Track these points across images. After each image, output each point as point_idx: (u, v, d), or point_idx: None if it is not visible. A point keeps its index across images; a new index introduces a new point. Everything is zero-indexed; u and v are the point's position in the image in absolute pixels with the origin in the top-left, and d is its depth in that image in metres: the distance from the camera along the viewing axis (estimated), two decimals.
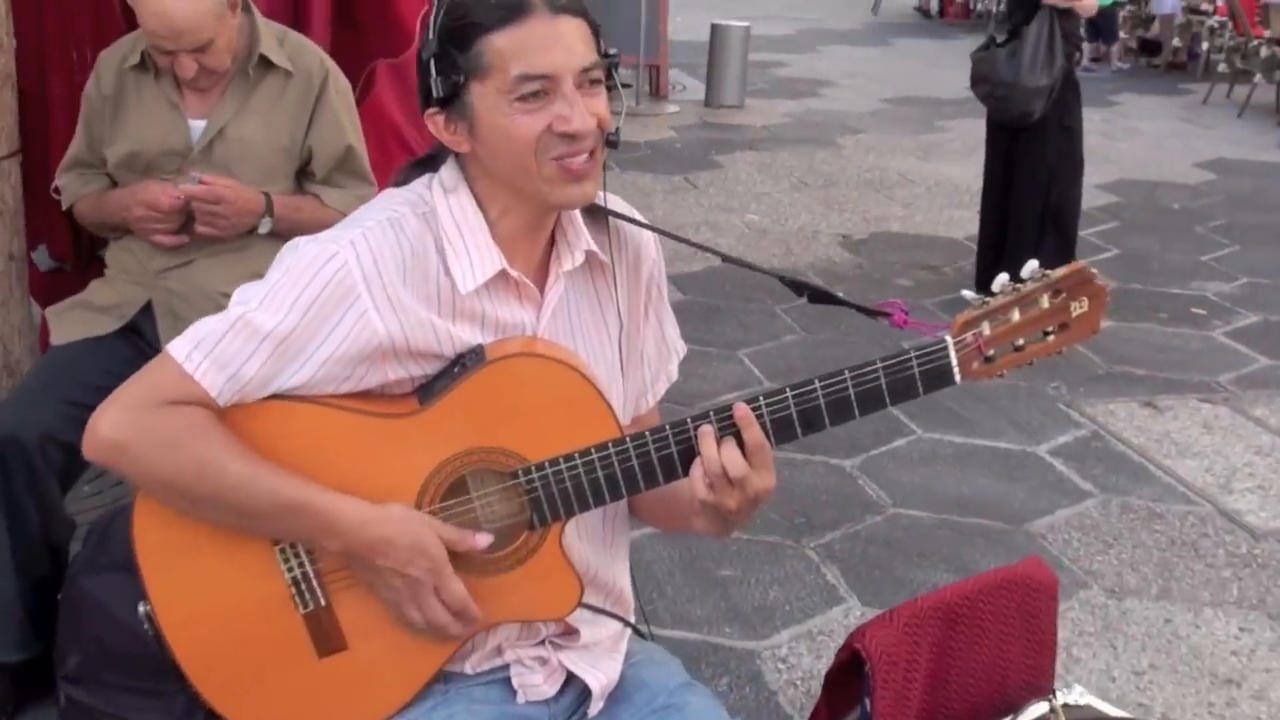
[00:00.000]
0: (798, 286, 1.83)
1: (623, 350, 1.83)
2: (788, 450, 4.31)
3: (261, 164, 2.93)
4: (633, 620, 1.88)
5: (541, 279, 1.76)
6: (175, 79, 2.89)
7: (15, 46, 3.06)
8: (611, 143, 1.68)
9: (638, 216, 1.86)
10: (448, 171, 1.73)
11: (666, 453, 1.66)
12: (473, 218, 1.70)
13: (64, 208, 3.07)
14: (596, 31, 1.66)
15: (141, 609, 1.62)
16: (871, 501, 4.15)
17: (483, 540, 1.66)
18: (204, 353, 1.60)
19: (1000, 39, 5.96)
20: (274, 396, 1.62)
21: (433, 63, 1.65)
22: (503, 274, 1.70)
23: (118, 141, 2.94)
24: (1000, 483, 4.33)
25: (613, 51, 1.70)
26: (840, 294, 1.82)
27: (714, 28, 11.11)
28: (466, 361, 1.67)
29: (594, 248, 1.78)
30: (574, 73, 1.61)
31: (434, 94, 1.65)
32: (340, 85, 3.05)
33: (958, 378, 1.62)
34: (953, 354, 1.63)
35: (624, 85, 4.52)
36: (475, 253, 1.68)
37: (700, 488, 1.63)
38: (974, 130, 8.43)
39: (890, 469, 4.42)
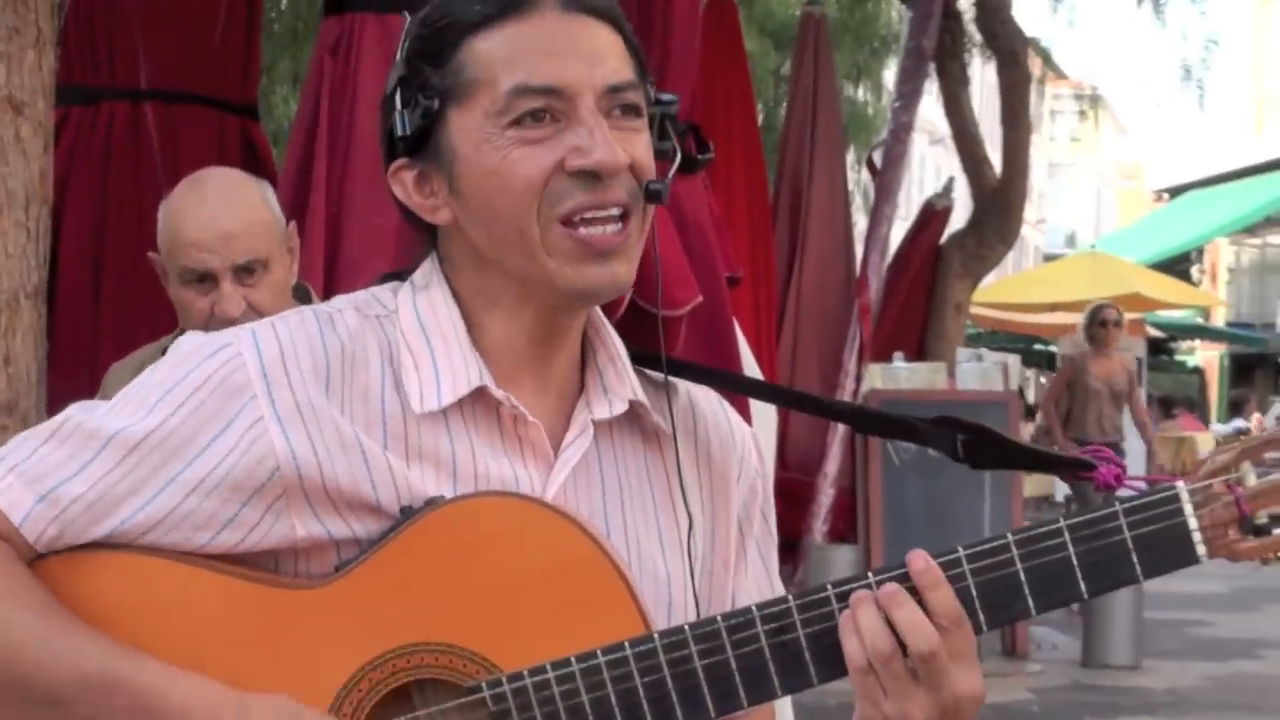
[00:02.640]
0: (950, 429, 1.55)
1: (692, 561, 1.54)
2: None
3: None
4: None
5: (560, 428, 1.50)
6: None
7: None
8: (653, 194, 1.42)
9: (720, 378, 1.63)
10: (422, 270, 1.51)
11: (754, 649, 1.36)
12: (445, 316, 1.45)
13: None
14: (637, 53, 1.45)
15: None
16: None
17: None
18: (9, 466, 1.38)
19: None
20: (111, 545, 1.38)
21: (397, 91, 1.43)
22: (484, 397, 1.43)
23: None
24: None
25: (667, 97, 1.48)
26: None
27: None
28: (410, 511, 1.38)
29: (641, 398, 1.52)
30: (596, 90, 1.38)
31: (398, 132, 1.43)
32: None
33: (1201, 552, 1.36)
34: (1189, 511, 1.36)
35: None
36: (443, 360, 1.43)
37: (858, 683, 1.35)
38: None
39: None
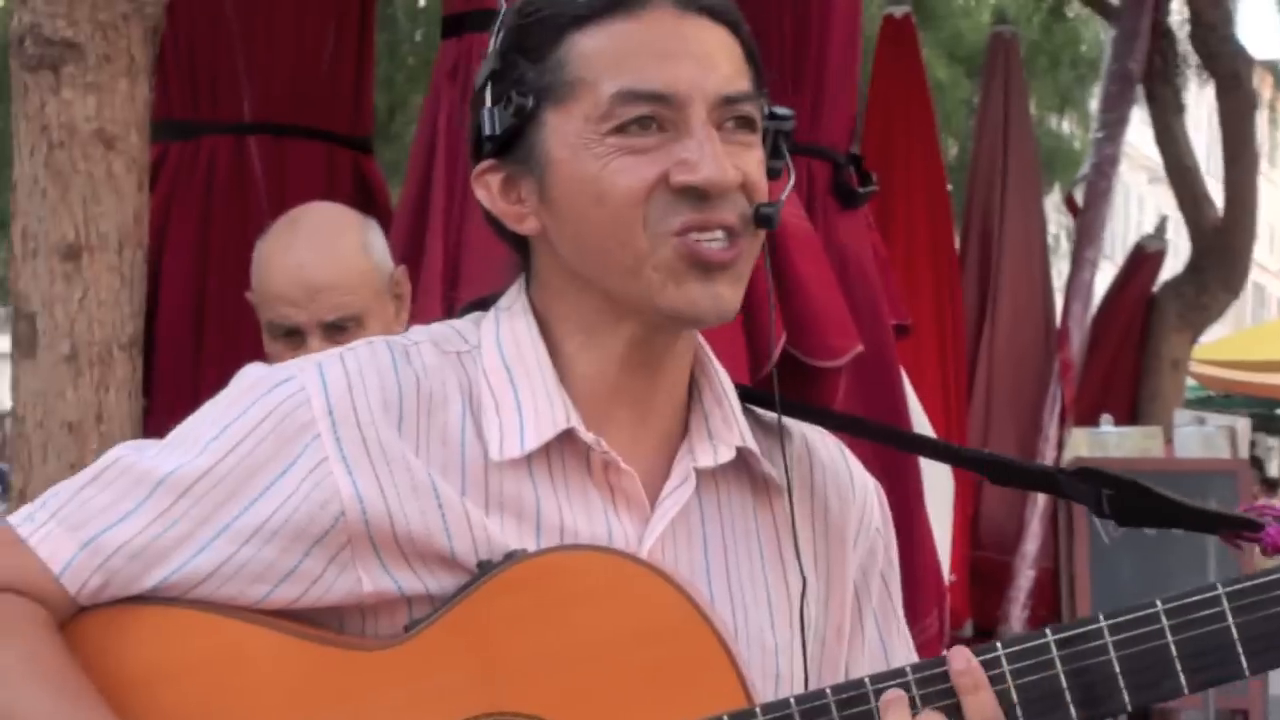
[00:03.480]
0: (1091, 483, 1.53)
1: (804, 624, 1.53)
2: None
3: None
4: None
5: (658, 475, 1.50)
6: None
7: None
8: (764, 218, 1.43)
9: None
10: (509, 293, 1.53)
11: None
12: (529, 347, 1.47)
13: None
14: (755, 60, 1.47)
15: None
16: None
17: None
18: (50, 511, 1.42)
19: None
20: (160, 599, 1.41)
21: (488, 87, 1.45)
22: (572, 440, 1.45)
23: None
24: None
25: (782, 111, 1.49)
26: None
27: None
28: (489, 565, 1.40)
29: (751, 444, 1.52)
30: (708, 99, 1.39)
31: (486, 131, 1.45)
32: None
33: None
34: None
35: None
36: (527, 399, 1.44)
37: None
38: None
39: None
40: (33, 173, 3.18)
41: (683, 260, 1.40)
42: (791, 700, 1.36)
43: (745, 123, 1.43)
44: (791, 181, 1.49)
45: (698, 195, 1.39)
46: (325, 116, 3.80)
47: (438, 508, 1.41)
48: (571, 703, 1.37)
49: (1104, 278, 8.93)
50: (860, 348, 3.69)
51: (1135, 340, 8.95)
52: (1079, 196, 8.56)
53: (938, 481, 4.33)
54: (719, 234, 1.40)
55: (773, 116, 1.48)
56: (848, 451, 1.63)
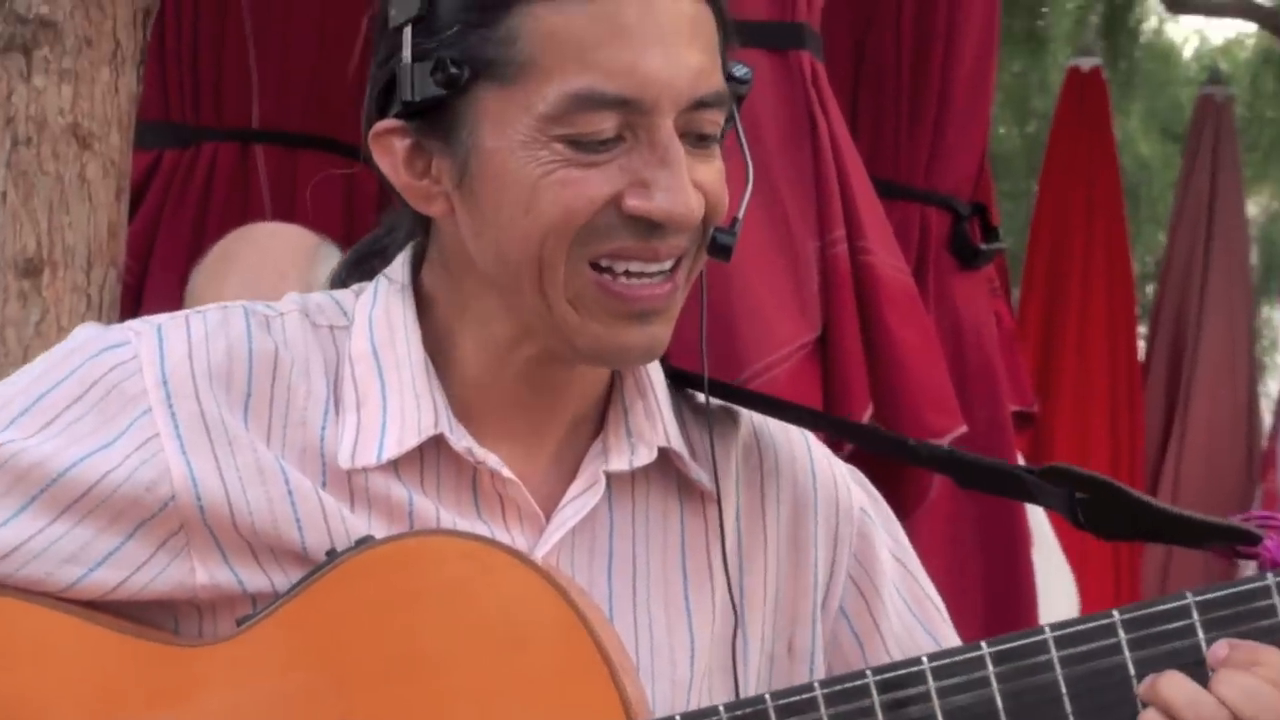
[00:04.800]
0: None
1: (737, 649, 1.58)
2: None
3: None
4: None
5: (563, 482, 1.54)
6: None
7: None
8: (721, 249, 1.47)
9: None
10: (395, 265, 1.57)
11: None
12: (402, 337, 1.51)
13: None
14: (724, 18, 1.49)
15: None
16: None
17: None
18: None
19: None
20: None
21: (408, 31, 1.45)
22: (440, 444, 1.49)
23: None
24: None
25: (739, 72, 1.52)
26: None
27: None
28: (336, 554, 1.44)
29: (676, 445, 1.55)
30: (679, 102, 1.42)
31: (404, 93, 1.46)
32: None
33: None
34: None
35: None
36: (394, 399, 1.48)
37: None
38: None
39: None
40: None
41: (608, 301, 1.44)
42: (677, 717, 1.41)
43: (710, 131, 1.46)
44: (748, 191, 1.52)
45: (649, 224, 1.42)
46: (348, 128, 3.86)
47: (287, 495, 1.46)
48: (421, 715, 1.41)
49: None
50: (964, 429, 3.66)
51: None
52: None
53: (1062, 581, 4.29)
54: (665, 266, 1.44)
55: (729, 78, 1.50)
56: (811, 437, 1.67)
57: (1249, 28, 11.83)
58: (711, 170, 1.46)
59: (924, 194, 3.93)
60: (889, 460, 3.63)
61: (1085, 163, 7.32)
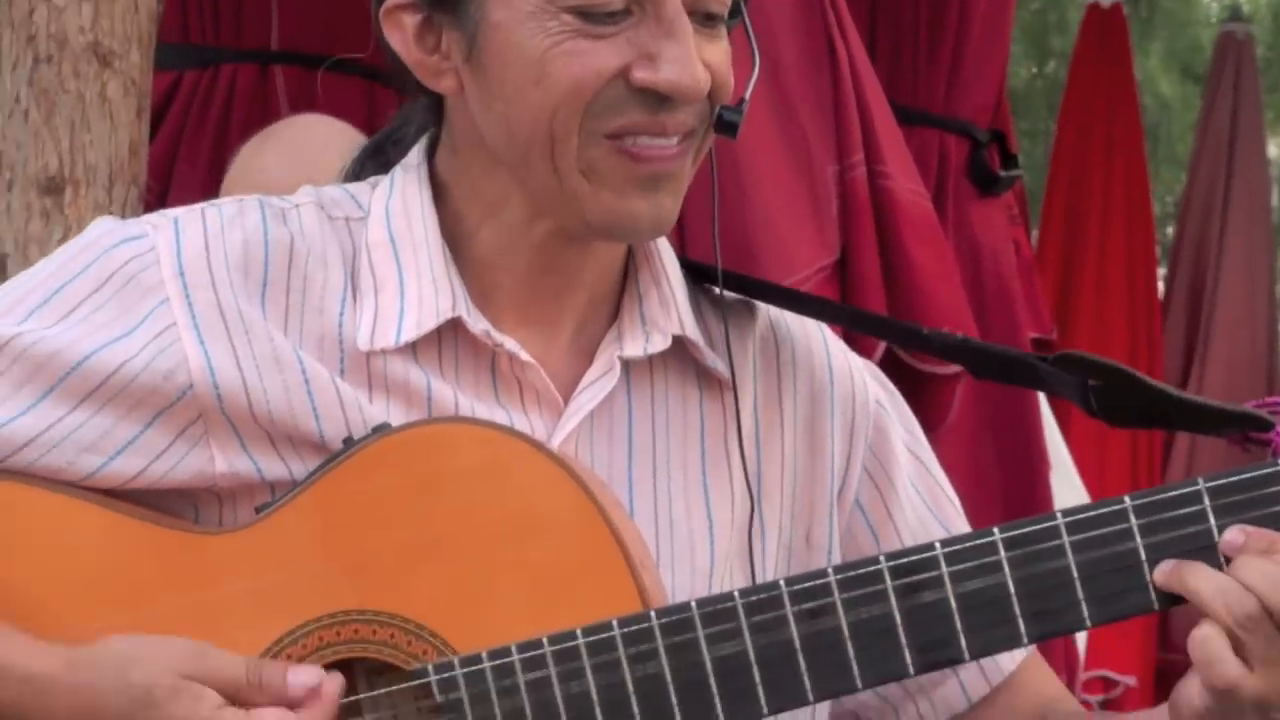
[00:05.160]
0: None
1: (754, 535, 1.60)
2: None
3: None
4: None
5: (580, 367, 1.56)
6: None
7: None
8: (727, 125, 1.50)
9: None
10: (413, 151, 1.59)
11: (781, 636, 1.41)
12: (419, 222, 1.53)
13: None
14: None
15: None
16: None
17: (329, 686, 1.40)
18: None
19: None
20: None
21: None
22: (465, 329, 1.51)
23: None
24: None
25: None
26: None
27: None
28: (353, 441, 1.46)
29: (691, 333, 1.57)
30: None
31: None
32: None
33: None
34: None
35: None
36: (412, 284, 1.50)
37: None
38: None
39: None
40: (14, 90, 3.22)
41: (620, 165, 1.46)
42: (693, 604, 1.40)
43: (712, 16, 1.49)
44: (755, 73, 1.54)
45: (657, 98, 1.44)
46: (367, 49, 3.86)
47: (303, 384, 1.48)
48: (442, 602, 1.44)
49: None
50: None
51: None
52: None
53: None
54: (673, 139, 1.46)
55: None
56: (828, 331, 1.70)
57: None
58: (718, 50, 1.49)
59: (942, 120, 3.93)
60: (910, 383, 3.67)
61: (1105, 100, 7.29)
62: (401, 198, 1.55)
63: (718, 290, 1.62)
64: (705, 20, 1.47)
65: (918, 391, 3.67)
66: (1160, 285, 7.96)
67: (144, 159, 3.38)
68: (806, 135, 3.40)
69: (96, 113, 3.24)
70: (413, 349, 1.50)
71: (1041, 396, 4.07)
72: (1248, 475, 1.41)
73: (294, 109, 3.78)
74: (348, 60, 3.84)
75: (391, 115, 3.94)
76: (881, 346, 3.51)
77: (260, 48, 3.83)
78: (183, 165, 3.79)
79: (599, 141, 1.45)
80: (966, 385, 3.76)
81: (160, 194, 3.67)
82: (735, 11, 1.53)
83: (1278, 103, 11.64)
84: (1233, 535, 1.41)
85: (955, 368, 3.71)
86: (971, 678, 1.66)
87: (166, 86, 3.68)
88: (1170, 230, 10.04)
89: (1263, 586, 1.38)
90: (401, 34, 1.52)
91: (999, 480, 3.79)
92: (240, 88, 3.82)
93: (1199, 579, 1.40)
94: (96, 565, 1.47)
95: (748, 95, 1.52)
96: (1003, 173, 4.03)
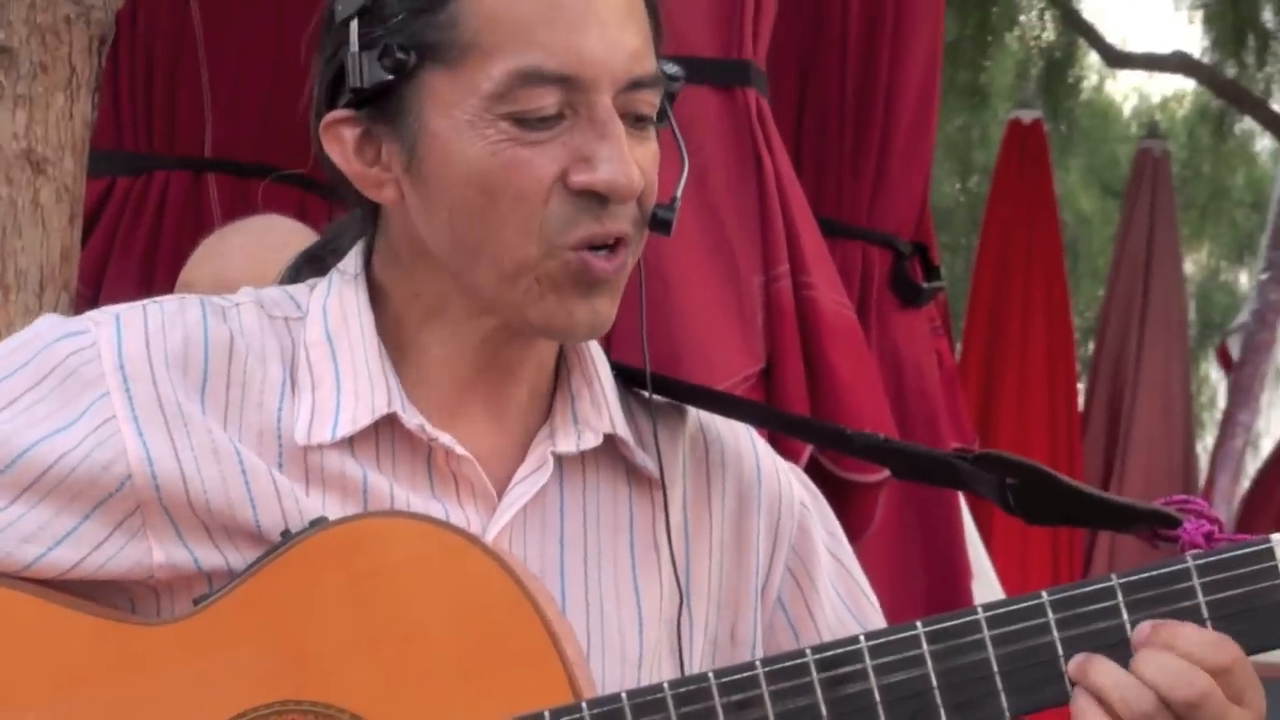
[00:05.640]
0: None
1: (682, 628, 1.62)
2: None
3: None
4: None
5: (514, 463, 1.59)
6: None
7: None
8: (661, 223, 1.54)
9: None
10: (348, 259, 1.62)
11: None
12: (355, 322, 1.55)
13: None
14: (655, 11, 1.55)
15: None
16: None
17: None
18: None
19: None
20: None
21: (354, 24, 1.51)
22: (401, 426, 1.53)
23: None
24: None
25: (671, 69, 1.57)
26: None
27: None
28: (291, 535, 1.48)
29: (621, 432, 1.60)
30: (617, 81, 1.48)
31: (352, 81, 1.50)
32: None
33: None
34: None
35: None
36: (348, 380, 1.53)
37: None
38: None
39: None
40: None
41: (571, 275, 1.49)
42: (623, 695, 1.42)
43: (645, 113, 1.53)
44: (685, 173, 1.58)
45: (596, 200, 1.48)
46: (301, 159, 3.89)
47: (240, 475, 1.49)
48: (378, 693, 1.44)
49: (1263, 450, 8.85)
50: None
51: None
52: (1234, 348, 8.53)
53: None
54: (611, 239, 1.50)
55: (664, 76, 1.56)
56: (755, 434, 1.72)
57: (1188, 84, 11.97)
58: (647, 152, 1.53)
59: (866, 232, 3.96)
60: (834, 491, 3.70)
61: (1026, 213, 7.40)
62: (339, 298, 1.57)
63: (646, 394, 1.66)
64: (635, 122, 1.51)
65: (842, 500, 3.70)
66: (1080, 398, 8.04)
67: (75, 265, 3.38)
68: (732, 245, 3.43)
69: (29, 219, 3.24)
70: (350, 444, 1.52)
71: (964, 508, 4.12)
72: (1158, 571, 1.44)
73: (227, 216, 3.79)
74: (281, 169, 3.88)
75: (323, 225, 3.96)
76: (806, 454, 3.55)
77: (194, 155, 3.85)
78: (114, 271, 3.80)
79: (563, 254, 1.49)
80: (890, 494, 3.80)
81: (91, 299, 3.66)
82: (662, 115, 1.56)
83: (1193, 220, 11.84)
84: (1142, 628, 1.44)
85: (878, 476, 3.76)
86: None
87: (99, 193, 3.69)
88: (1090, 345, 10.16)
89: (1159, 679, 1.41)
90: (341, 147, 1.55)
91: (922, 588, 3.82)
92: (173, 194, 3.83)
93: (1100, 674, 1.43)
94: (33, 655, 1.47)
95: (679, 194, 1.55)
96: (925, 284, 4.09)
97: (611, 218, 1.49)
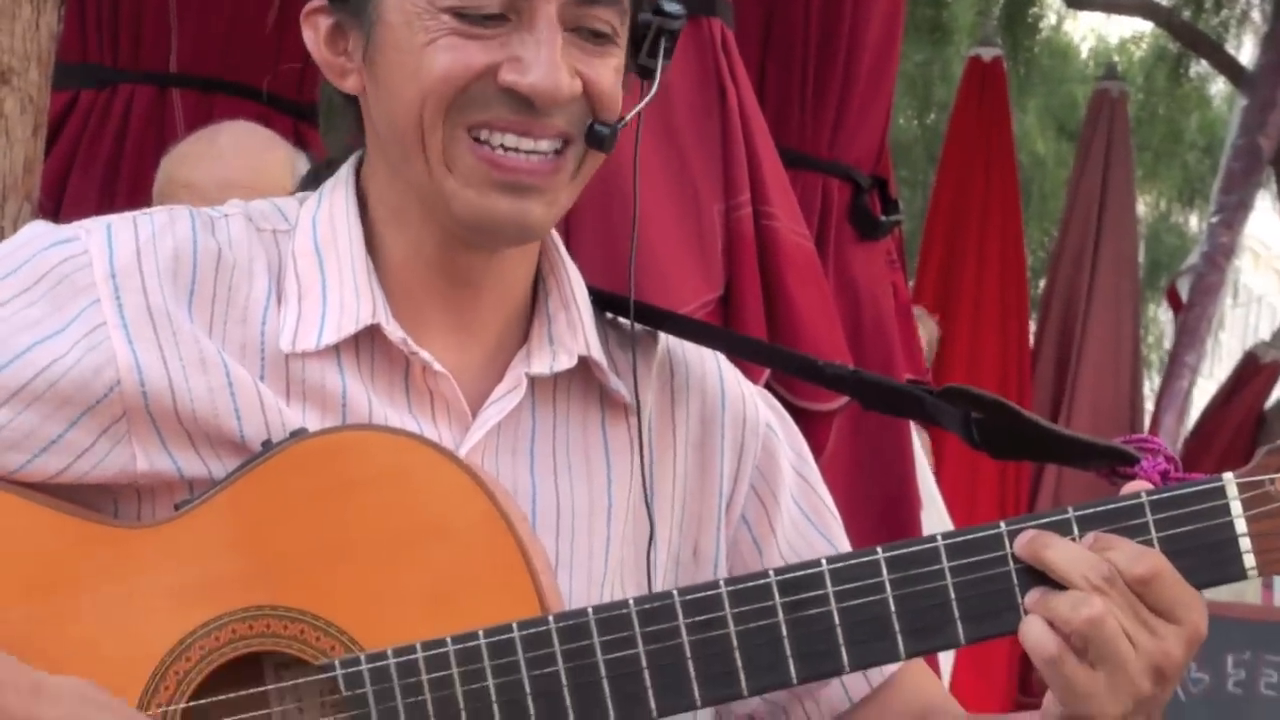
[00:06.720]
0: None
1: (651, 548, 1.65)
2: None
3: None
4: None
5: (489, 383, 1.62)
6: None
7: None
8: (596, 137, 1.54)
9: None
10: (345, 165, 1.65)
11: (672, 644, 1.45)
12: (344, 232, 1.58)
13: None
14: None
15: None
16: None
17: None
18: None
19: None
20: None
21: None
22: (383, 338, 1.56)
23: None
24: None
25: (671, 8, 1.58)
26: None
27: None
28: (271, 444, 1.50)
29: (595, 355, 1.63)
30: None
31: None
32: None
33: (1250, 566, 1.47)
34: (1236, 510, 1.47)
35: None
36: (334, 288, 1.56)
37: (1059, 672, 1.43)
38: None
39: None
40: None
41: (478, 166, 1.51)
42: (590, 610, 1.44)
43: (603, 33, 1.54)
44: (652, 94, 1.60)
45: (523, 101, 1.50)
46: (264, 75, 3.90)
47: (227, 386, 1.51)
48: (350, 600, 1.47)
49: (1206, 391, 8.92)
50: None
51: (1237, 465, 8.90)
52: (1183, 290, 8.58)
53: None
54: (542, 144, 1.52)
55: (658, 12, 1.58)
56: (723, 360, 1.76)
57: (1145, 26, 11.99)
58: (603, 67, 1.54)
59: (827, 165, 3.97)
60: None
61: (983, 151, 7.42)
62: (329, 210, 1.60)
63: (622, 319, 1.68)
64: (592, 37, 1.53)
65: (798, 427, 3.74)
66: (1031, 335, 8.08)
67: (38, 175, 3.38)
68: (695, 174, 3.44)
69: None
70: (333, 352, 1.54)
71: (915, 438, 4.16)
72: (1114, 505, 1.46)
73: (189, 130, 3.80)
74: (245, 86, 3.89)
75: (284, 140, 3.97)
76: (763, 377, 3.59)
77: (158, 70, 3.84)
78: (76, 182, 3.79)
79: (461, 135, 1.51)
80: (842, 423, 3.84)
81: (53, 211, 3.66)
82: (639, 44, 1.58)
83: (1147, 161, 11.87)
84: (1085, 539, 1.46)
85: (832, 405, 3.80)
86: (853, 680, 1.71)
87: (63, 105, 3.68)
88: (1041, 284, 10.20)
89: (1115, 557, 1.42)
90: (315, 34, 1.61)
91: (872, 516, 3.86)
92: (137, 108, 3.82)
93: (1054, 550, 1.44)
94: (14, 555, 1.48)
95: (628, 117, 1.57)
96: (883, 218, 4.12)
97: (538, 118, 1.51)
